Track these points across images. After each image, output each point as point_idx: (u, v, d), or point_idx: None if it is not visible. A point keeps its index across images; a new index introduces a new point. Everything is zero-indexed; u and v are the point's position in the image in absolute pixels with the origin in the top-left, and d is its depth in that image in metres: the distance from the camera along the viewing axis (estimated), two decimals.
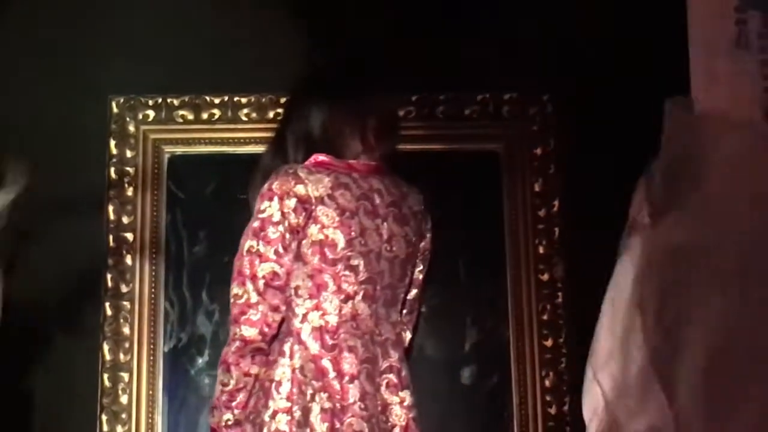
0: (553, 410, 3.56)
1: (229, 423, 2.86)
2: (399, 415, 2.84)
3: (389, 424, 2.83)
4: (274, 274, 2.84)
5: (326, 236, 2.83)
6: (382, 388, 2.84)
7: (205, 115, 3.71)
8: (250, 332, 2.83)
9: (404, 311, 3.14)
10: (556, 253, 3.65)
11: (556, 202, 3.67)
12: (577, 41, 3.70)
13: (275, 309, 2.86)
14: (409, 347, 3.21)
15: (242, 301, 2.84)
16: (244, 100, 3.71)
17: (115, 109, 3.70)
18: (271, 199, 2.86)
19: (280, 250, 2.84)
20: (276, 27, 3.71)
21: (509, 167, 3.71)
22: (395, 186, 2.99)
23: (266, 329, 2.85)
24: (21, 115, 3.67)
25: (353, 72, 3.14)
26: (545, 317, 3.61)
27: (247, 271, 2.85)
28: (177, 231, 3.65)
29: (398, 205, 2.95)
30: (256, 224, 2.87)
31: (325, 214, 2.83)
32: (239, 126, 3.70)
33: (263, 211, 2.86)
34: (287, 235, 2.84)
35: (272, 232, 2.84)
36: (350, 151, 2.94)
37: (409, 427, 2.86)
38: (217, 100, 3.71)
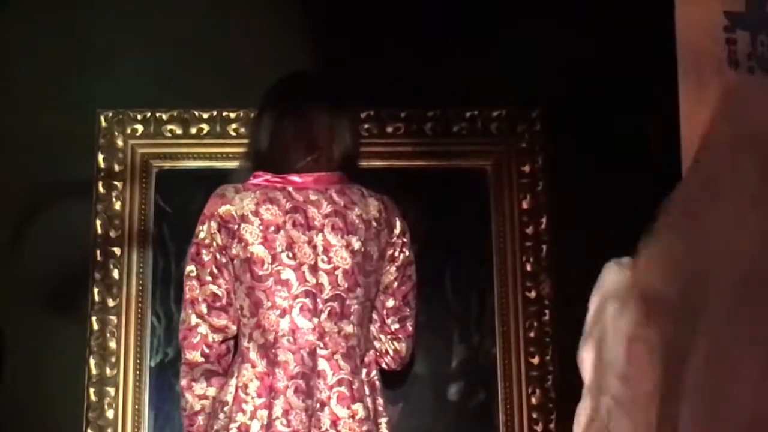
0: (539, 428, 3.56)
1: None
2: (352, 428, 2.81)
3: None
4: (214, 295, 2.89)
5: (252, 253, 2.85)
6: (332, 402, 2.81)
7: (193, 130, 3.71)
8: (192, 355, 2.89)
9: (389, 320, 3.11)
10: (543, 271, 3.65)
11: (544, 220, 3.67)
12: (566, 59, 3.70)
13: (219, 330, 2.90)
14: (403, 357, 3.17)
15: (185, 325, 2.91)
16: (232, 115, 3.71)
17: (103, 123, 3.69)
18: (202, 223, 2.92)
19: (215, 271, 2.90)
20: (265, 42, 3.71)
21: (497, 184, 3.71)
22: (342, 195, 2.95)
23: (207, 350, 2.89)
24: (9, 127, 3.66)
25: (305, 86, 3.13)
26: (532, 335, 3.61)
27: (188, 296, 2.92)
28: (164, 245, 3.64)
29: (342, 214, 2.92)
30: (192, 249, 2.94)
31: (249, 231, 2.85)
32: (227, 141, 3.70)
33: (197, 236, 2.93)
34: (218, 256, 2.89)
35: (205, 255, 2.90)
36: (293, 164, 2.94)
37: None
38: (205, 115, 3.71)
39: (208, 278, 2.89)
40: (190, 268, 2.91)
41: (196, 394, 2.88)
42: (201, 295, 2.89)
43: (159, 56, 3.72)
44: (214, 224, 2.88)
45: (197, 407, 2.88)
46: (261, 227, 2.85)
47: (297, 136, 2.97)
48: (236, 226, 2.86)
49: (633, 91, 3.64)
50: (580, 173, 3.64)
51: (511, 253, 3.66)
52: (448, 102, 3.72)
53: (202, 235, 2.90)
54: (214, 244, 2.88)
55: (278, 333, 2.82)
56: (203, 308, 2.88)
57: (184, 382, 2.89)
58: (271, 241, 2.85)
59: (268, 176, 2.94)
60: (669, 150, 3.48)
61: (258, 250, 2.85)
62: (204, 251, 2.89)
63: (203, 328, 2.88)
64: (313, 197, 2.91)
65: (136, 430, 3.55)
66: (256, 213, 2.86)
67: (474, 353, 3.65)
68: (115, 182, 3.66)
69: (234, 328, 2.91)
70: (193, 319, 2.88)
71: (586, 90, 3.66)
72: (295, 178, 2.93)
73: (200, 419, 2.88)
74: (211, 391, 2.88)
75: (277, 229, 2.86)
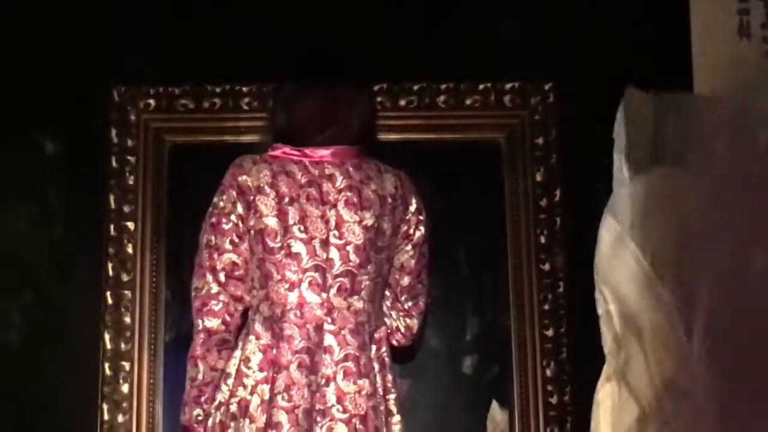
0: (554, 400, 3.56)
1: (200, 418, 2.84)
2: (358, 404, 2.79)
3: (348, 414, 2.76)
4: (234, 264, 2.86)
5: (265, 225, 2.83)
6: (339, 377, 2.80)
7: (206, 104, 3.71)
8: (212, 323, 2.84)
9: (403, 298, 3.11)
10: (557, 243, 3.64)
11: (558, 192, 3.67)
12: (579, 30, 3.70)
13: (238, 299, 2.87)
14: (414, 334, 3.18)
15: (203, 293, 2.86)
16: (245, 89, 3.71)
17: (116, 98, 3.70)
18: (222, 193, 2.89)
19: (236, 239, 2.86)
20: (276, 15, 3.71)
21: (511, 157, 3.71)
22: (358, 170, 2.93)
23: (228, 319, 2.85)
24: (22, 103, 3.67)
25: (326, 59, 3.11)
26: (546, 307, 3.61)
27: (207, 264, 2.87)
28: (178, 220, 3.64)
29: (357, 189, 2.90)
30: (212, 219, 2.89)
31: (264, 203, 2.84)
32: (240, 115, 3.70)
33: (216, 205, 2.90)
34: (240, 225, 2.86)
35: (225, 224, 2.86)
36: (312, 137, 2.93)
37: (368, 416, 2.78)
38: (218, 89, 3.71)
39: (228, 246, 2.86)
40: (209, 237, 2.87)
41: (210, 364, 2.84)
42: (220, 263, 2.85)
43: (172, 31, 3.72)
44: (234, 193, 2.86)
45: (208, 378, 2.84)
46: (276, 199, 2.84)
47: (316, 109, 2.95)
48: (252, 197, 2.85)
49: (646, 60, 3.63)
50: (593, 145, 3.63)
51: (525, 226, 3.66)
52: (461, 75, 3.71)
53: (222, 204, 2.87)
54: (235, 213, 2.86)
55: (286, 306, 2.81)
56: (222, 277, 2.85)
57: (199, 351, 2.84)
58: (285, 213, 2.83)
59: (286, 149, 2.92)
60: None
61: (271, 222, 2.83)
62: (224, 220, 2.86)
63: (224, 297, 2.84)
64: (328, 171, 2.90)
65: (151, 404, 3.57)
66: (271, 185, 2.85)
67: (488, 326, 3.66)
68: (129, 157, 3.67)
69: (248, 299, 2.88)
70: (214, 287, 2.84)
71: (600, 61, 3.65)
72: (313, 151, 2.92)
73: (210, 390, 2.84)
74: (221, 364, 2.84)
75: (291, 202, 2.84)
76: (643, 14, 3.68)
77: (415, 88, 3.72)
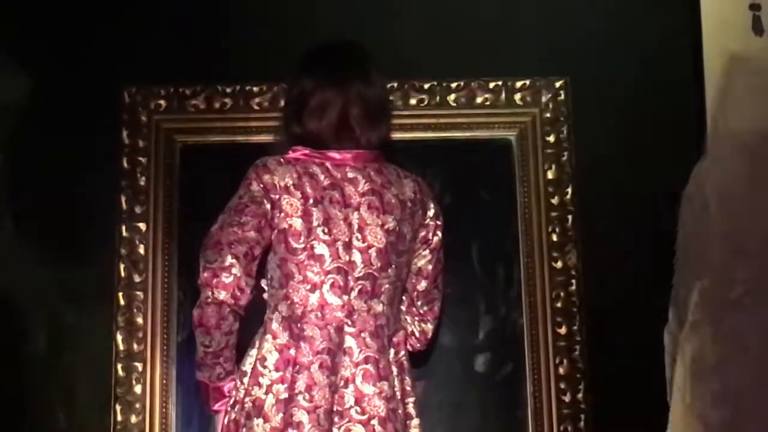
0: (567, 398, 3.55)
1: (221, 376, 2.85)
2: (377, 405, 2.79)
3: (366, 415, 2.78)
4: (257, 243, 2.81)
5: (289, 225, 2.83)
6: (358, 379, 2.81)
7: (217, 105, 3.70)
8: (222, 295, 2.74)
9: (419, 302, 3.12)
10: (569, 241, 3.63)
11: (569, 190, 3.65)
12: (589, 27, 3.70)
13: (250, 275, 2.79)
14: (429, 339, 3.19)
15: (215, 265, 2.76)
16: (256, 89, 3.70)
17: (127, 99, 3.70)
18: (248, 186, 2.87)
19: (262, 224, 2.83)
20: (288, 15, 3.71)
21: (522, 155, 3.70)
22: (379, 174, 2.95)
23: (238, 293, 2.75)
24: (33, 104, 3.67)
25: (341, 58, 3.09)
26: (559, 305, 3.60)
27: (224, 240, 2.78)
28: (189, 220, 3.63)
29: (378, 193, 2.91)
30: (239, 207, 2.85)
31: (290, 203, 2.84)
32: (251, 115, 3.69)
33: (242, 196, 2.87)
34: (268, 215, 2.84)
35: (255, 208, 2.83)
36: (330, 140, 2.92)
37: (388, 418, 2.80)
38: (229, 90, 3.70)
39: (255, 225, 2.81)
40: (234, 218, 2.82)
41: (223, 330, 2.78)
42: (243, 240, 2.78)
43: (182, 31, 3.71)
44: (261, 186, 2.85)
45: (223, 343, 2.81)
46: (301, 200, 2.84)
47: (331, 118, 2.94)
48: (277, 196, 2.84)
49: (658, 57, 3.62)
50: (605, 142, 3.63)
51: (537, 224, 3.65)
52: (472, 72, 3.70)
53: (250, 194, 2.85)
54: (264, 203, 2.84)
55: (306, 307, 2.82)
56: (241, 250, 2.77)
57: (212, 321, 2.76)
58: (309, 215, 2.84)
59: (307, 151, 2.92)
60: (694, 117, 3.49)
61: (296, 222, 2.83)
62: (253, 206, 2.83)
63: (236, 270, 2.75)
64: (350, 175, 2.90)
65: (164, 405, 3.56)
66: (297, 186, 2.85)
67: (501, 324, 3.65)
68: (140, 158, 3.66)
69: (253, 282, 2.83)
70: (228, 259, 2.75)
71: (612, 58, 3.65)
72: (334, 154, 2.92)
73: (227, 352, 2.83)
74: (236, 326, 2.81)
75: (315, 203, 2.85)
76: (654, 10, 3.68)
77: (426, 86, 3.71)
